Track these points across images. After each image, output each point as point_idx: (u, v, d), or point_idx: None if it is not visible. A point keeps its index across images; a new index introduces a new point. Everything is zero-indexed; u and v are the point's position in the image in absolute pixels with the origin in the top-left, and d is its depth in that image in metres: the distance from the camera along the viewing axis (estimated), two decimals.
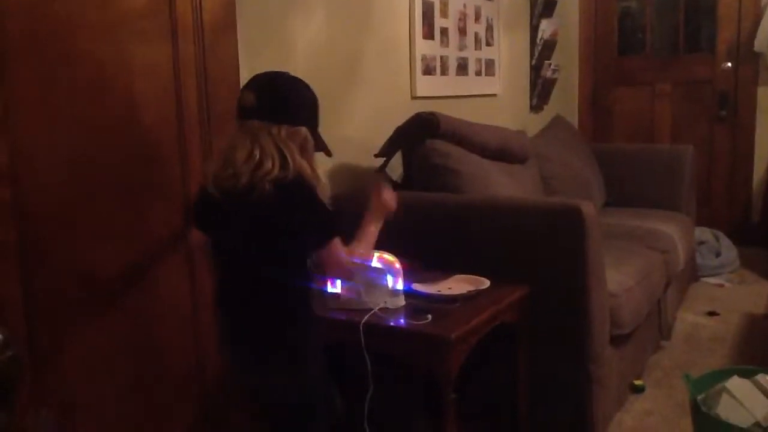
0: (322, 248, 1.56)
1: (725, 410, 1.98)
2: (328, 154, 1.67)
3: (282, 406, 1.60)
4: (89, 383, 1.39)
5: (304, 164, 1.55)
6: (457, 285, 2.13)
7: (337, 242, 1.58)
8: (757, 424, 1.93)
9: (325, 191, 1.58)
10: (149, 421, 1.51)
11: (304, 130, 1.58)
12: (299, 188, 1.52)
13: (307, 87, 1.64)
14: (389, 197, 1.77)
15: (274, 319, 1.57)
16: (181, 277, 1.55)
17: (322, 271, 1.66)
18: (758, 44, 4.48)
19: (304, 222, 1.53)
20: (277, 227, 1.51)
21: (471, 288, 2.09)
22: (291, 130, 1.55)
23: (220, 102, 1.57)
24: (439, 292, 2.06)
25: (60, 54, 1.33)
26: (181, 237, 1.54)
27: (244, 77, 2.15)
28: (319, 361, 1.64)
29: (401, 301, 1.99)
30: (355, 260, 1.63)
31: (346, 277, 1.71)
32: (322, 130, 1.66)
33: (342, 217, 1.60)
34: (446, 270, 2.16)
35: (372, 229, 1.70)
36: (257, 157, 1.48)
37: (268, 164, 1.48)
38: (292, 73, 1.63)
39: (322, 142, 1.65)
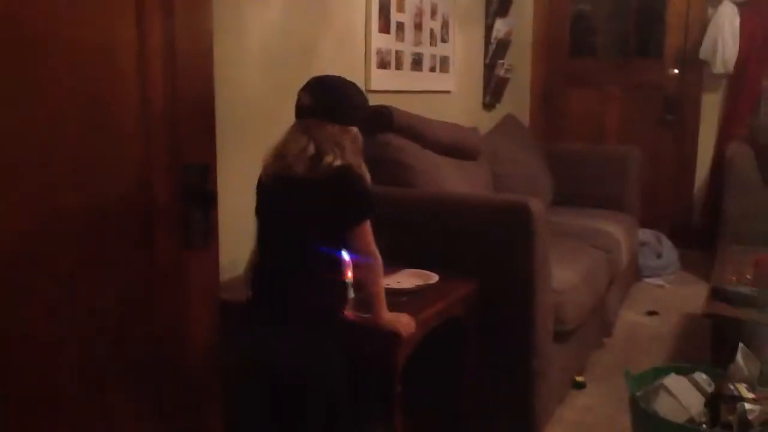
0: (356, 226, 1.71)
1: (663, 406, 2.03)
2: None
3: (302, 374, 1.67)
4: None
5: (354, 160, 1.72)
6: (406, 279, 2.14)
7: (368, 224, 1.73)
8: (692, 420, 1.99)
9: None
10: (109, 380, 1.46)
11: (355, 129, 1.74)
12: (350, 173, 1.70)
13: (360, 91, 1.80)
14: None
15: (315, 286, 1.71)
16: (141, 255, 1.49)
17: (351, 248, 1.76)
18: (703, 52, 4.61)
19: (347, 200, 1.70)
20: (325, 204, 1.69)
21: (420, 282, 2.10)
22: (344, 129, 1.71)
23: (189, 86, 1.48)
24: (387, 286, 2.06)
25: (20, 36, 1.27)
26: (139, 212, 1.48)
27: None
28: (343, 331, 1.79)
29: (349, 294, 1.99)
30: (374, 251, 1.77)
31: (370, 257, 1.78)
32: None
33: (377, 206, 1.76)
34: (395, 264, 2.17)
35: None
36: (312, 150, 1.68)
37: (329, 157, 1.67)
38: (339, 76, 1.79)
39: None
